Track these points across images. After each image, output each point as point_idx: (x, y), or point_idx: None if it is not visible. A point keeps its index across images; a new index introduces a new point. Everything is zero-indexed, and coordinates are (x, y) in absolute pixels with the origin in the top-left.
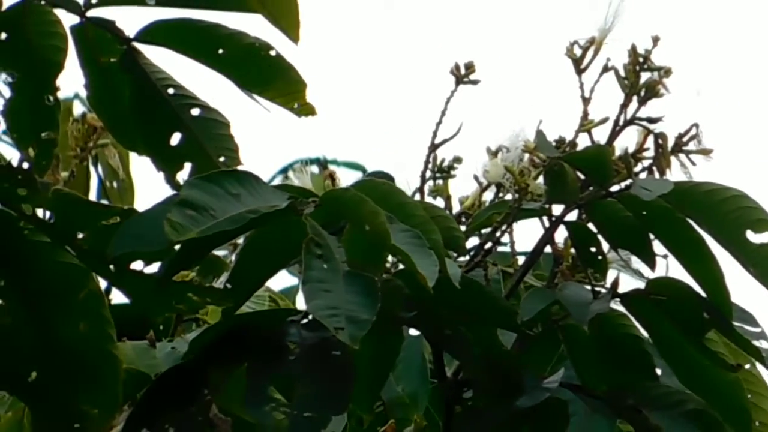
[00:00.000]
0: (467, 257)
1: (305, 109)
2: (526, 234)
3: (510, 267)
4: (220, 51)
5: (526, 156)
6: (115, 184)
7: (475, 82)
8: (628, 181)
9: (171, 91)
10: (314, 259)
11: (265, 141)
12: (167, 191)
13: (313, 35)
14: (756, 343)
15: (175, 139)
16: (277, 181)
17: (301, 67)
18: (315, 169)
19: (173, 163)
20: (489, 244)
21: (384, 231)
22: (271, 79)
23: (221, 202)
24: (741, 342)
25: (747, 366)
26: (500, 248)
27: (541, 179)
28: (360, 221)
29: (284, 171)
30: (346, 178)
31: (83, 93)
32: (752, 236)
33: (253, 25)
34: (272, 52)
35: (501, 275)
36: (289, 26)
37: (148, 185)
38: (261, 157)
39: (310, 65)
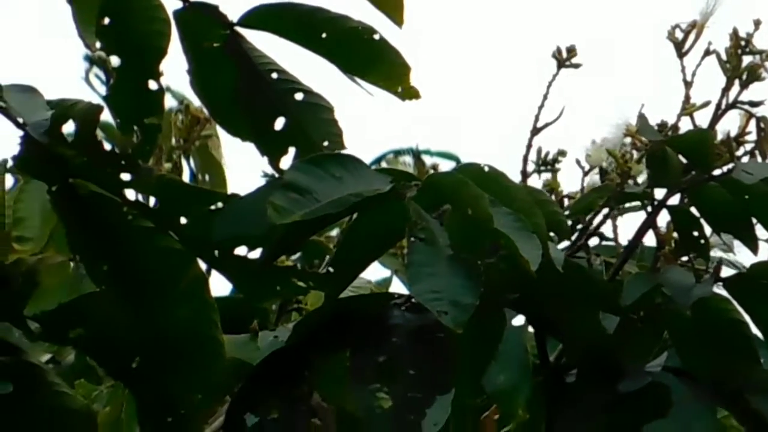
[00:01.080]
0: (570, 241)
1: (409, 93)
2: (628, 222)
3: (613, 258)
4: (323, 35)
5: (628, 140)
6: (207, 178)
7: (577, 66)
8: (730, 165)
9: (275, 75)
10: (417, 242)
11: (357, 132)
12: (257, 184)
13: (414, 20)
14: None
15: (279, 124)
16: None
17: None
18: (408, 159)
19: (277, 148)
20: (593, 227)
21: (487, 214)
22: (374, 62)
23: (324, 185)
24: None
25: None
26: (603, 242)
27: (643, 163)
28: (462, 205)
29: (378, 161)
30: (441, 168)
31: (174, 85)
32: None
33: (356, 8)
34: (376, 36)
35: (604, 266)
36: (393, 9)
37: (239, 181)
38: (355, 144)
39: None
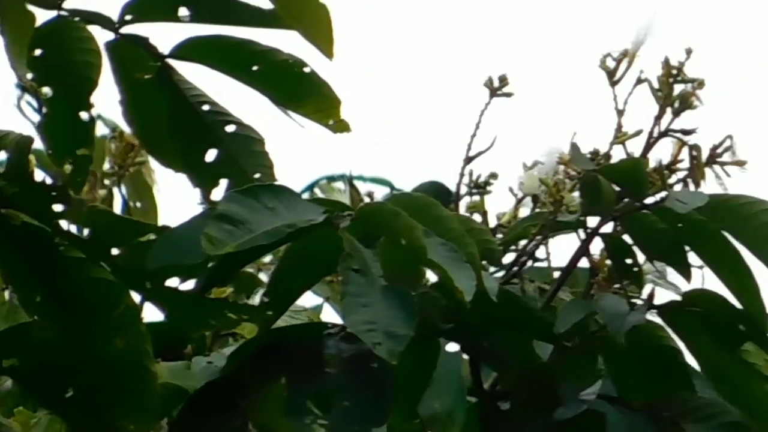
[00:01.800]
0: (503, 269)
1: (340, 126)
2: (562, 247)
3: (547, 283)
4: (255, 67)
5: (561, 168)
6: (138, 204)
7: (509, 95)
8: (663, 194)
9: (206, 107)
10: (351, 273)
11: (289, 158)
12: (188, 211)
13: (345, 50)
14: None
15: (211, 155)
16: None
17: (335, 83)
18: (341, 185)
19: (209, 180)
20: (525, 256)
21: (420, 245)
22: (305, 95)
23: (258, 216)
24: None
25: None
26: (537, 264)
27: (576, 192)
28: (396, 235)
29: (310, 188)
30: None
31: (105, 113)
32: None
33: (287, 41)
34: (306, 69)
35: (538, 292)
36: (323, 42)
37: (170, 206)
38: (285, 174)
39: (342, 79)
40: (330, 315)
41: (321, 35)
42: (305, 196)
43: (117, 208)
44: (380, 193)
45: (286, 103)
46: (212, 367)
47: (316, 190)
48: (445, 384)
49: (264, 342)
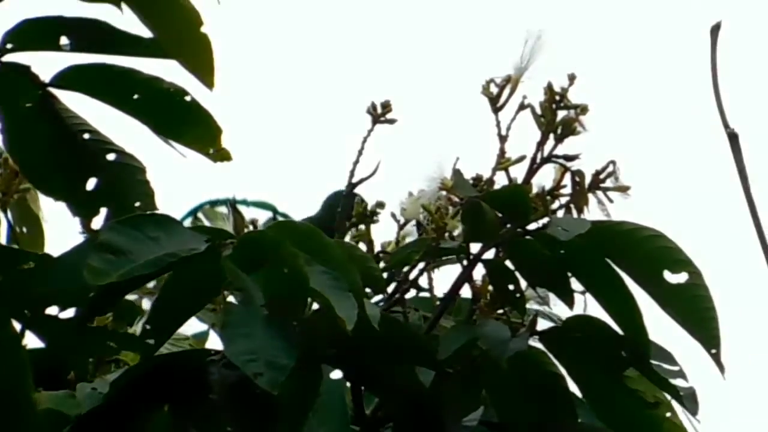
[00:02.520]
0: (386, 295)
1: (220, 155)
2: (446, 272)
3: (430, 313)
4: (136, 96)
5: (444, 194)
6: (25, 230)
7: (392, 122)
8: (546, 220)
9: (87, 136)
10: (233, 302)
11: (173, 182)
12: (74, 238)
13: (228, 76)
14: (673, 381)
15: (91, 184)
16: (186, 224)
17: (217, 111)
18: (224, 209)
19: (89, 209)
20: (407, 283)
21: (302, 273)
22: (186, 124)
23: (140, 246)
24: (658, 380)
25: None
26: (421, 293)
27: (459, 217)
28: (278, 263)
29: (193, 213)
30: (258, 218)
31: None
32: (669, 276)
33: (169, 70)
34: (188, 98)
35: (422, 320)
36: (204, 73)
37: (58, 232)
38: (171, 199)
39: (224, 105)
40: (215, 342)
41: (202, 65)
42: (188, 221)
43: (3, 233)
44: (264, 217)
45: (167, 132)
46: (96, 393)
47: (200, 215)
48: (329, 410)
49: (147, 368)
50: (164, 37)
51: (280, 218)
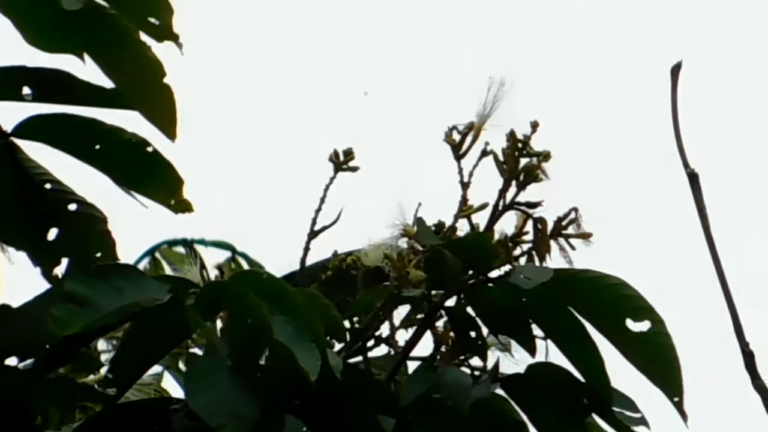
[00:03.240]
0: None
1: (182, 206)
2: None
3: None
4: (97, 146)
5: (406, 240)
6: None
7: (354, 169)
8: (508, 267)
9: (48, 186)
10: (196, 354)
11: (129, 219)
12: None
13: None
14: (635, 428)
15: (53, 234)
16: (144, 263)
17: (176, 151)
18: (181, 249)
19: (50, 258)
20: (369, 331)
21: (266, 325)
22: (148, 175)
23: (104, 296)
24: (620, 427)
25: None
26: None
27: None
28: (242, 314)
29: (150, 252)
30: (215, 258)
31: None
32: (632, 324)
33: (130, 121)
34: (149, 149)
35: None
36: (166, 124)
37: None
38: (127, 234)
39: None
40: (171, 383)
41: (164, 116)
42: (145, 261)
43: None
44: (222, 257)
45: (129, 183)
46: None
47: (157, 254)
48: None
49: (109, 417)
50: (126, 87)
51: (239, 257)
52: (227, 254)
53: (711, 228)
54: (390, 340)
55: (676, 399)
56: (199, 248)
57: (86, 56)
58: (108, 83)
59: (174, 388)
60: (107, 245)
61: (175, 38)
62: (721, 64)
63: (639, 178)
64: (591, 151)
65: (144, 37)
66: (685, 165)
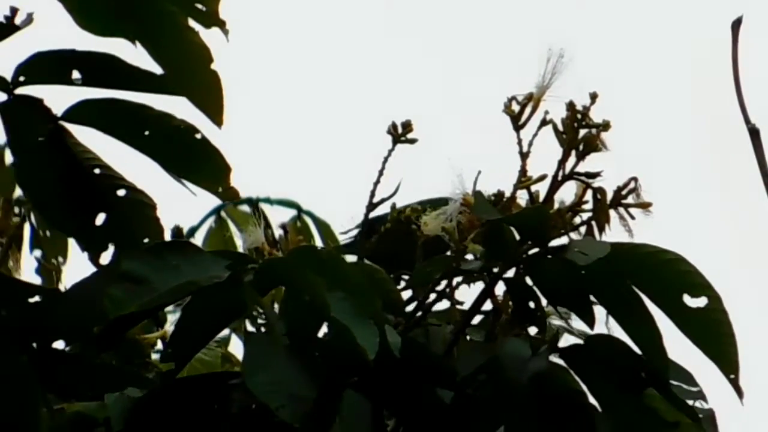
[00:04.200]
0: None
1: (229, 194)
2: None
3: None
4: (146, 132)
5: (466, 210)
6: (48, 233)
7: (412, 141)
8: (566, 241)
9: (98, 171)
10: (254, 331)
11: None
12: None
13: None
14: (696, 403)
15: (101, 219)
16: (210, 222)
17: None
18: (246, 208)
19: (98, 244)
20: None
21: (323, 302)
22: (196, 162)
23: (161, 274)
24: (676, 402)
25: None
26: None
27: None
28: (299, 291)
29: (216, 211)
30: (281, 216)
31: None
32: (689, 300)
33: (177, 106)
34: (198, 135)
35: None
36: (213, 111)
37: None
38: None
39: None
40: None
41: (211, 103)
42: (210, 221)
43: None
44: (287, 215)
45: (177, 169)
46: (124, 398)
47: (222, 213)
48: (352, 421)
49: (167, 392)
50: (174, 73)
51: (305, 216)
52: (292, 213)
53: None
54: (450, 310)
55: (732, 376)
56: (265, 207)
57: (136, 41)
58: (156, 69)
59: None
60: (155, 232)
61: (221, 24)
62: None
63: (700, 136)
64: (649, 106)
65: (192, 23)
66: (747, 120)
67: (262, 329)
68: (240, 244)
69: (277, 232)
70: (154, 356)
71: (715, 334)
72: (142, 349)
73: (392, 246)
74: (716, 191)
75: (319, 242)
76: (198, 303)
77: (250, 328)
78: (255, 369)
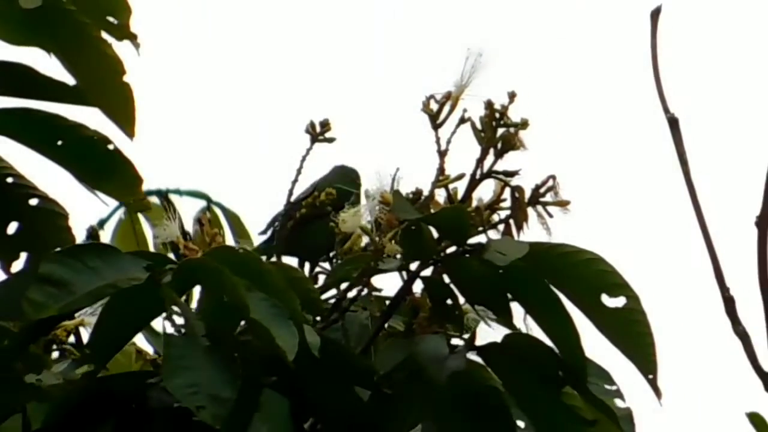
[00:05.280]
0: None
1: (140, 205)
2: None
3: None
4: (60, 142)
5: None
6: None
7: (331, 140)
8: (483, 241)
9: (10, 180)
10: (173, 334)
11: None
12: None
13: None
14: (611, 401)
15: (13, 228)
16: (119, 213)
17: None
18: (156, 200)
19: (9, 253)
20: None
21: (243, 303)
22: (108, 173)
23: (80, 277)
24: (594, 400)
25: None
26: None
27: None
28: (218, 291)
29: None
30: (191, 207)
31: None
32: (607, 300)
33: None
34: (110, 146)
35: (369, 320)
36: (125, 121)
37: None
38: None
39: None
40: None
41: (123, 114)
42: (121, 211)
43: None
44: (197, 207)
45: (89, 179)
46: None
47: None
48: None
49: (87, 392)
50: (87, 84)
51: (215, 207)
52: (202, 204)
53: (691, 174)
54: (367, 309)
55: (650, 376)
56: (175, 198)
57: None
58: (70, 79)
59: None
60: (67, 241)
61: (133, 37)
62: (702, 6)
63: (619, 125)
64: (569, 97)
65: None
66: (666, 110)
67: (182, 330)
68: (152, 237)
69: (192, 227)
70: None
71: (633, 334)
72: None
73: (307, 231)
74: (636, 181)
75: (228, 234)
76: (117, 304)
77: (169, 329)
78: (174, 371)
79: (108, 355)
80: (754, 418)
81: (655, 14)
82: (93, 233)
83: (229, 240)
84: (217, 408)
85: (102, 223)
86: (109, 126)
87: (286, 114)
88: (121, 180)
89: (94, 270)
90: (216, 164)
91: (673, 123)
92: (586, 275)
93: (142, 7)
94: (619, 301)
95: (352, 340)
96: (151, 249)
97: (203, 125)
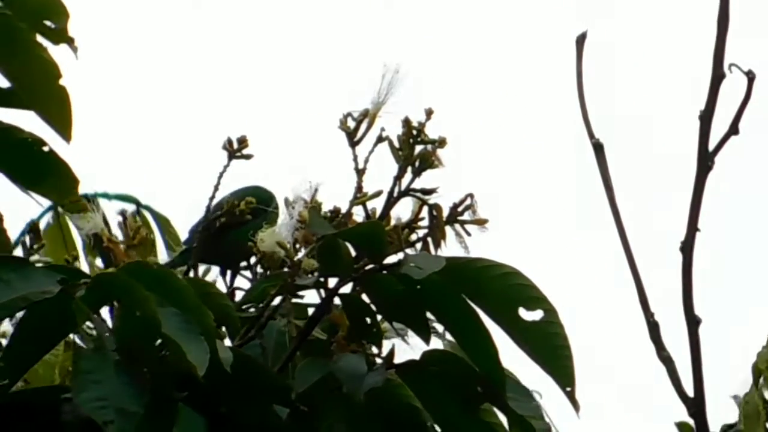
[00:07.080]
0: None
1: (77, 206)
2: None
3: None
4: None
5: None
6: None
7: (248, 157)
8: (401, 256)
9: None
10: (84, 348)
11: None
12: None
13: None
14: (536, 418)
15: None
16: (47, 218)
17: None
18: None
19: None
20: (263, 318)
21: (155, 318)
22: (43, 174)
23: None
24: (513, 417)
25: None
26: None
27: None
28: (131, 306)
29: (54, 207)
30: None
31: None
32: (524, 314)
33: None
34: (45, 148)
35: (289, 326)
36: (62, 125)
37: None
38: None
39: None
40: None
41: (59, 118)
42: (48, 216)
43: None
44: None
45: (24, 181)
46: None
47: (60, 209)
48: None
49: (1, 406)
50: (22, 88)
51: (144, 211)
52: (132, 208)
53: (616, 199)
54: (286, 327)
55: (568, 389)
56: (103, 203)
57: None
58: (4, 83)
59: None
60: (1, 243)
61: (70, 41)
62: (626, 33)
63: (544, 150)
64: (494, 129)
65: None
66: (591, 135)
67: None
68: (77, 234)
69: (116, 219)
70: None
71: (550, 347)
72: None
73: (228, 238)
74: (561, 206)
75: (158, 237)
76: (31, 318)
77: (80, 343)
78: (83, 385)
79: (22, 369)
80: (683, 427)
81: (581, 40)
82: (33, 227)
83: (159, 243)
84: (124, 422)
85: (32, 225)
86: (47, 130)
87: (208, 127)
88: (56, 181)
89: (6, 283)
90: (145, 169)
91: (598, 148)
92: (504, 289)
93: (80, 12)
94: (536, 315)
95: (270, 356)
96: (79, 250)
97: (136, 132)
